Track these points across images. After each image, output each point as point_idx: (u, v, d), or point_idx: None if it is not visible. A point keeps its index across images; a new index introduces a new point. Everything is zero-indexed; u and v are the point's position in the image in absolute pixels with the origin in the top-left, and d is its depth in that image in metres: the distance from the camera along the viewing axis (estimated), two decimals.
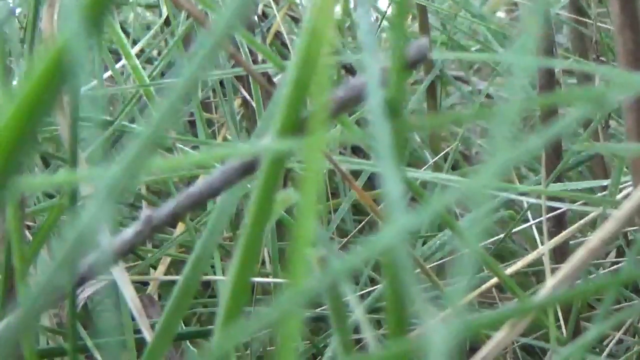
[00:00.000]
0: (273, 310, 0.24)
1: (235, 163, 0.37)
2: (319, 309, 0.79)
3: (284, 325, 0.24)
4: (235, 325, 0.35)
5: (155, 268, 0.91)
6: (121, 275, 0.58)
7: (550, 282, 0.43)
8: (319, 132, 0.25)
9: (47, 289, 0.22)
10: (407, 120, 0.30)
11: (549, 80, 0.83)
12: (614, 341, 0.80)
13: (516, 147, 0.26)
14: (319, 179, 0.24)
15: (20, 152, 0.20)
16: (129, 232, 0.39)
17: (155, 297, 0.85)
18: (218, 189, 0.37)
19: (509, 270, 0.66)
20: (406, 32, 0.31)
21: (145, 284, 0.90)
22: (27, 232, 0.70)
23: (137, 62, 0.81)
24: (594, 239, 0.43)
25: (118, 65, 0.97)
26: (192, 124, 1.17)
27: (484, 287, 0.67)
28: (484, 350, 0.43)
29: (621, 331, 0.81)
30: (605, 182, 0.80)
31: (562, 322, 0.77)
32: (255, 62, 1.01)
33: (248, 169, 0.36)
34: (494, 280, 0.66)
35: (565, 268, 0.43)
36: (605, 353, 0.79)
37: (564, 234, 0.73)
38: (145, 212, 0.39)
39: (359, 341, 0.76)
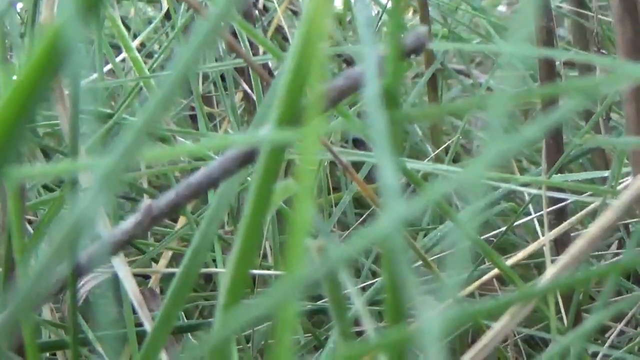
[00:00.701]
0: (270, 297, 0.24)
1: (234, 153, 0.37)
2: (319, 302, 0.79)
3: (281, 312, 0.24)
4: (233, 314, 0.35)
5: (156, 262, 0.91)
6: (122, 268, 0.58)
7: (550, 271, 0.43)
8: (316, 121, 0.25)
9: (43, 275, 0.22)
10: (404, 109, 0.30)
11: (549, 73, 0.82)
12: (615, 332, 0.80)
13: (514, 136, 0.26)
14: (316, 166, 0.24)
15: (16, 136, 0.20)
16: (128, 223, 0.39)
17: (157, 290, 0.85)
18: (217, 179, 0.37)
19: (510, 262, 0.66)
20: (404, 20, 0.31)
21: (147, 277, 0.90)
22: (28, 226, 0.70)
23: (138, 54, 0.81)
24: (594, 228, 0.43)
25: (118, 59, 0.97)
26: (194, 118, 1.17)
27: (484, 278, 0.67)
28: (484, 340, 0.43)
29: (622, 322, 0.81)
30: (605, 173, 0.80)
31: (563, 313, 0.77)
32: (255, 55, 1.02)
33: (247, 158, 0.37)
34: (495, 271, 0.66)
35: (565, 257, 0.43)
36: (607, 344, 0.79)
37: (564, 224, 0.73)
38: (145, 202, 0.39)
39: (360, 333, 0.76)
